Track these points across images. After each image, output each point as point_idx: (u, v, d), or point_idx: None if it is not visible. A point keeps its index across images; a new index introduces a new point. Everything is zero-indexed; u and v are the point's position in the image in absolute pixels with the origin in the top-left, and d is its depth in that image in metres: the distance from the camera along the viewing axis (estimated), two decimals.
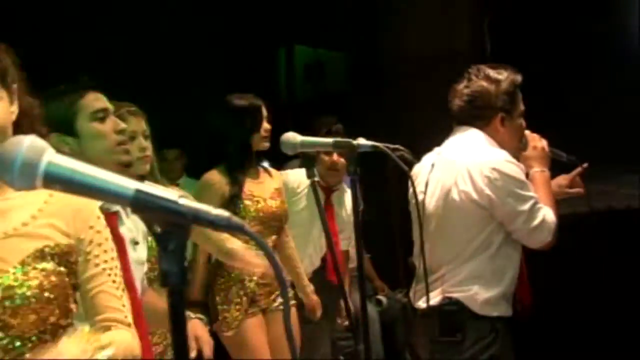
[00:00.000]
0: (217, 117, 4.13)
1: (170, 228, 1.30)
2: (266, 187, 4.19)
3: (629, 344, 5.43)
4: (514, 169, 3.11)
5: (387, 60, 6.58)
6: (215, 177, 4.01)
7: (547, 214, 3.10)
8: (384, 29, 6.52)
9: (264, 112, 4.10)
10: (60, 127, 2.56)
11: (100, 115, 2.63)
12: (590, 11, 7.57)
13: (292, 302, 4.20)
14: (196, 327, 2.94)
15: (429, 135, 3.40)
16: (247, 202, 4.02)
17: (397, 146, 2.93)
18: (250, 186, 4.10)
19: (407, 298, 3.36)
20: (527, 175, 3.23)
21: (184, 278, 1.31)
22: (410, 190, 3.09)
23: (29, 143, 1.29)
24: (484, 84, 3.20)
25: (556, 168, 3.46)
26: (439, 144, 3.33)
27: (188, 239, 1.33)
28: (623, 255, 5.61)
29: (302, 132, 3.03)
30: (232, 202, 3.96)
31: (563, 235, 3.33)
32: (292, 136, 2.94)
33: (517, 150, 3.28)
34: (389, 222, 3.02)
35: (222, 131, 4.03)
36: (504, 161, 3.11)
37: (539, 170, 3.24)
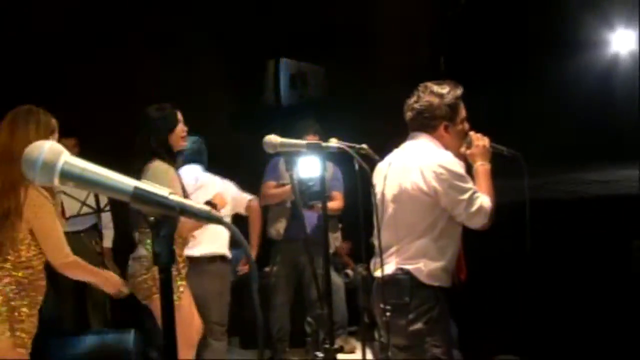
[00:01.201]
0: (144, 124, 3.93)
1: (161, 218, 1.35)
2: None
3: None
4: (456, 166, 3.18)
5: (359, 72, 6.61)
6: (164, 166, 3.87)
7: (484, 201, 3.16)
8: (357, 47, 6.53)
9: (179, 117, 3.99)
10: None
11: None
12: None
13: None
14: None
15: (394, 137, 3.42)
16: None
17: (362, 145, 2.97)
18: None
19: (368, 271, 3.47)
20: (470, 168, 3.31)
21: (173, 258, 1.37)
22: (376, 180, 3.25)
23: (49, 146, 1.33)
24: (429, 98, 3.27)
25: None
26: (399, 145, 3.38)
27: (176, 227, 1.39)
28: (549, 240, 5.66)
29: (287, 132, 3.09)
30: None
31: (500, 222, 3.36)
32: (273, 138, 2.94)
33: (460, 150, 3.34)
34: (356, 210, 3.06)
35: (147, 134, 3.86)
36: (448, 160, 3.18)
37: (480, 164, 3.30)
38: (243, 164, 5.62)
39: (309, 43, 6.57)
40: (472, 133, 3.35)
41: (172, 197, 1.36)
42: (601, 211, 7.57)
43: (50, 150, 1.32)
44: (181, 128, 3.96)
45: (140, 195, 1.34)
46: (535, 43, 9.41)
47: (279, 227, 5.15)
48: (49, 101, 3.33)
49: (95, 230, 5.40)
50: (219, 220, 1.40)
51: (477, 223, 3.18)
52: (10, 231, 2.99)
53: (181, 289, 3.84)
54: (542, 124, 8.94)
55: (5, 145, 3.02)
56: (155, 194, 1.35)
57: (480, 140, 3.33)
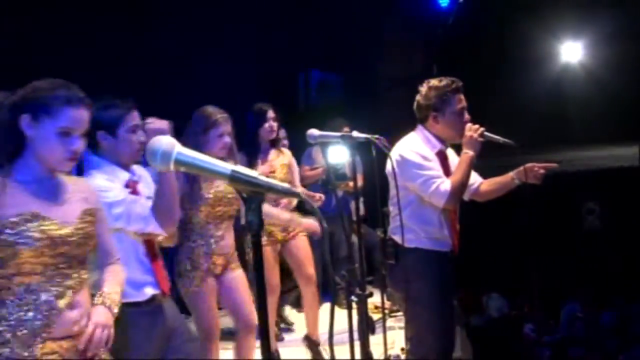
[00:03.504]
0: None
1: (252, 194, 1.33)
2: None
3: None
4: (413, 155, 2.91)
5: (371, 81, 6.58)
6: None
7: (442, 185, 2.86)
8: (366, 59, 6.49)
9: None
10: (107, 129, 2.40)
11: (135, 129, 2.45)
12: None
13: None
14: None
15: (396, 131, 3.20)
16: None
17: (379, 137, 2.87)
18: None
19: (384, 233, 3.16)
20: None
21: (261, 225, 1.34)
22: (389, 166, 2.94)
23: (166, 140, 1.32)
24: (425, 91, 3.01)
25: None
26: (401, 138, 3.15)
27: (264, 201, 1.37)
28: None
29: (316, 128, 3.01)
30: None
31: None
32: (314, 131, 2.94)
33: (456, 138, 3.02)
34: (374, 185, 3.04)
35: None
36: (407, 150, 2.93)
37: (464, 152, 2.94)
38: None
39: (329, 57, 6.53)
40: (468, 124, 3.00)
41: (260, 177, 1.33)
42: (557, 184, 7.52)
43: (167, 142, 1.31)
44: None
45: (236, 177, 1.32)
46: (502, 55, 9.37)
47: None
48: None
49: None
50: (297, 195, 1.38)
51: (437, 203, 2.89)
52: None
53: (268, 248, 3.85)
54: (510, 117, 8.87)
55: None
56: (247, 175, 1.33)
57: (469, 131, 2.95)
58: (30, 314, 1.81)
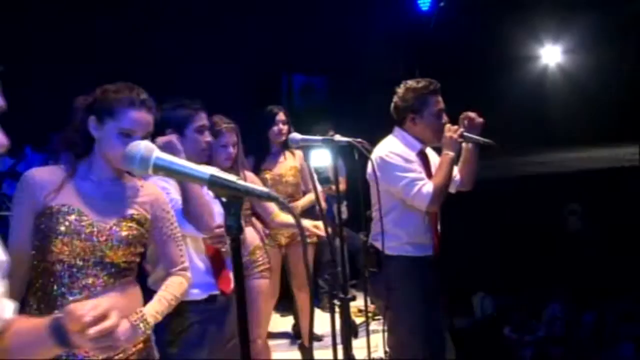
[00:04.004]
0: None
1: (231, 198, 1.31)
2: None
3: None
4: (394, 157, 2.86)
5: (354, 83, 6.59)
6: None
7: (424, 187, 2.82)
8: (350, 62, 6.50)
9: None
10: (175, 128, 2.47)
11: (202, 130, 2.52)
12: None
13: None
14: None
15: (379, 134, 3.17)
16: None
17: (361, 140, 2.90)
18: None
19: (367, 237, 3.15)
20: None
21: (240, 229, 1.32)
22: (369, 169, 2.91)
23: (144, 145, 1.32)
24: (402, 92, 2.97)
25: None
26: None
27: (243, 205, 1.35)
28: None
29: (299, 131, 3.02)
30: None
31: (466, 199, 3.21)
32: (296, 135, 2.92)
33: (434, 140, 2.98)
34: (356, 189, 3.02)
35: None
36: (387, 152, 2.88)
37: (444, 153, 2.90)
38: None
39: (314, 59, 6.53)
40: (447, 125, 2.96)
41: (239, 181, 1.32)
42: (539, 185, 7.60)
43: (146, 147, 1.31)
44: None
45: (215, 181, 1.30)
46: (484, 57, 9.43)
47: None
48: None
49: None
50: (276, 199, 1.36)
51: (420, 206, 2.84)
52: None
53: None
54: (491, 120, 8.95)
55: None
56: (226, 180, 1.31)
57: (448, 132, 2.91)
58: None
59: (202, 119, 2.51)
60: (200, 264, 2.45)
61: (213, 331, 2.46)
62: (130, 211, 2.00)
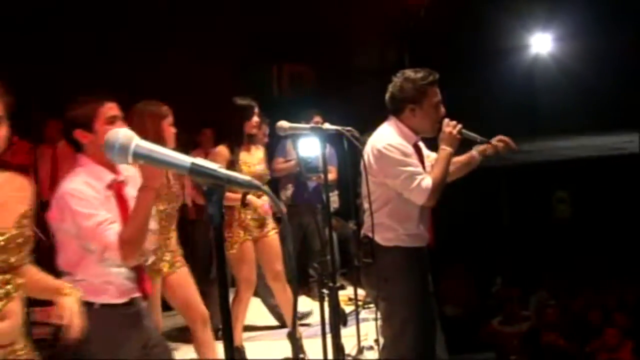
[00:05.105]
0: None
1: (212, 186, 1.29)
2: None
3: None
4: (393, 150, 2.78)
5: (342, 71, 6.57)
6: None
7: (423, 181, 2.76)
8: (340, 51, 6.48)
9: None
10: (83, 127, 2.25)
11: (112, 121, 2.26)
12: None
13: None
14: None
15: (370, 122, 3.11)
16: None
17: (350, 128, 2.87)
18: None
19: (357, 226, 3.19)
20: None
21: (222, 218, 1.31)
22: (362, 164, 2.84)
23: (124, 133, 1.30)
24: (401, 82, 2.87)
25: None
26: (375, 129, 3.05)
27: (225, 193, 1.34)
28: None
29: (290, 120, 2.99)
30: None
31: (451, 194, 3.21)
32: (283, 123, 2.92)
33: (431, 132, 2.91)
34: (346, 178, 3.01)
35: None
36: (386, 145, 2.79)
37: (442, 148, 2.83)
38: None
39: (304, 49, 6.51)
40: (446, 120, 2.89)
41: (220, 169, 1.29)
42: (525, 173, 7.64)
43: (125, 135, 1.29)
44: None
45: (195, 169, 1.28)
46: (473, 46, 9.41)
47: (287, 193, 5.09)
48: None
49: None
50: (258, 187, 1.34)
51: (418, 200, 2.78)
52: None
53: (248, 244, 3.80)
54: (481, 108, 8.93)
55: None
56: (207, 168, 1.29)
57: (448, 127, 2.84)
58: None
59: (111, 109, 2.28)
60: (121, 268, 2.30)
61: (133, 335, 2.35)
62: (21, 208, 1.78)
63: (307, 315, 4.60)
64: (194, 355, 3.33)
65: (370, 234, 2.84)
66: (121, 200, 2.28)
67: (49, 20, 5.23)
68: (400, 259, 2.86)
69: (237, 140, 3.80)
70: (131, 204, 2.21)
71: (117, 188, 2.28)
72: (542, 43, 11.97)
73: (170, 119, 3.02)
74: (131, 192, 2.27)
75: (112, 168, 2.29)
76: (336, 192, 5.27)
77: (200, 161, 1.30)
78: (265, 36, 6.08)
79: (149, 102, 3.03)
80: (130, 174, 2.34)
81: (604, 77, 9.97)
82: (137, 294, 2.37)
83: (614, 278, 6.87)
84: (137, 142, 1.29)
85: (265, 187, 1.35)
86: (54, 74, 5.06)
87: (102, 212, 2.18)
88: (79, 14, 5.17)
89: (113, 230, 2.16)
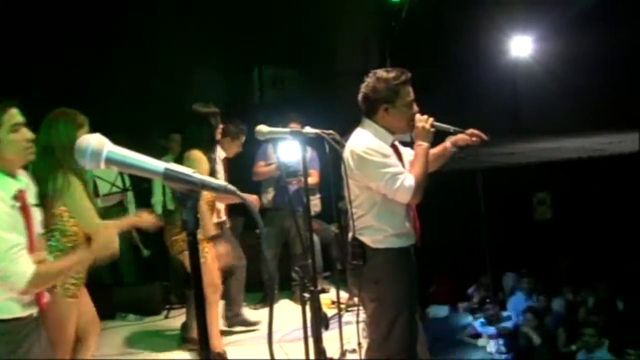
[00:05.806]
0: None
1: (187, 192, 1.28)
2: None
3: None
4: (373, 153, 2.77)
5: (327, 75, 6.58)
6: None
7: (406, 180, 2.75)
8: (323, 53, 6.49)
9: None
10: None
11: (16, 129, 2.16)
12: None
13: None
14: None
15: (353, 124, 3.04)
16: None
17: (331, 132, 2.87)
18: None
19: (339, 229, 3.19)
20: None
21: (197, 224, 1.30)
22: (342, 169, 2.82)
23: (96, 138, 1.28)
24: (373, 83, 2.83)
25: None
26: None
27: (199, 199, 1.32)
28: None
29: (271, 124, 2.96)
30: None
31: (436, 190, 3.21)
32: (262, 127, 2.89)
33: (406, 130, 2.90)
34: (327, 181, 3.00)
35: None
36: (365, 148, 2.77)
37: (419, 144, 2.82)
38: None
39: (286, 53, 6.51)
40: (418, 115, 2.87)
41: (195, 175, 1.28)
42: (506, 175, 7.68)
43: (96, 141, 1.27)
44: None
45: (169, 175, 1.27)
46: (456, 48, 9.46)
47: (268, 197, 5.09)
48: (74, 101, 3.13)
49: (122, 205, 5.45)
50: (234, 193, 1.33)
51: (403, 199, 2.77)
52: (50, 208, 2.78)
53: (206, 249, 3.69)
54: (463, 111, 8.99)
55: (45, 141, 2.81)
56: (181, 173, 1.28)
57: (420, 122, 2.83)
58: None
59: (14, 116, 2.18)
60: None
61: (36, 350, 2.23)
62: None
63: (255, 323, 4.58)
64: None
65: (361, 237, 2.84)
66: (26, 210, 2.18)
67: None
68: (391, 260, 2.85)
69: (211, 146, 3.79)
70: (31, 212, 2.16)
71: (22, 198, 2.17)
72: (522, 46, 12.07)
73: (86, 129, 2.88)
74: (33, 200, 2.23)
75: (14, 176, 2.20)
76: (318, 196, 5.26)
77: (174, 166, 1.29)
78: (246, 39, 6.07)
79: (65, 109, 2.93)
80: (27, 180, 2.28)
81: (585, 78, 10.07)
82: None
83: (594, 279, 6.94)
84: (109, 147, 1.27)
85: (241, 193, 1.33)
86: None
87: (14, 235, 2.09)
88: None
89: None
